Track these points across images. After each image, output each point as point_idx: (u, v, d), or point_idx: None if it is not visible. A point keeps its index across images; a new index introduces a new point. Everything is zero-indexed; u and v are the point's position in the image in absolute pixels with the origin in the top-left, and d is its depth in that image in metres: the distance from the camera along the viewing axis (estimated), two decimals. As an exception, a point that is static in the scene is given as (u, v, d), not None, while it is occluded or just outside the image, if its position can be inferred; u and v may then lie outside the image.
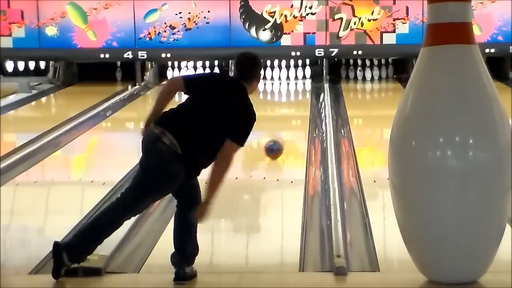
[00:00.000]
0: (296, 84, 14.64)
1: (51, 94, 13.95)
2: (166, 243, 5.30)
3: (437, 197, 4.59)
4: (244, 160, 9.15)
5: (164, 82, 5.07)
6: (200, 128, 4.78)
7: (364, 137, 10.16)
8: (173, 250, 4.94)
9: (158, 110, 4.90)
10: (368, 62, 14.87)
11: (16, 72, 14.88)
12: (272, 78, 14.82)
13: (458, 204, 4.57)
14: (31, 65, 14.99)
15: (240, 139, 4.81)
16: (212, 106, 4.82)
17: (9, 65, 14.97)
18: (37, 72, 14.89)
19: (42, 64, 14.94)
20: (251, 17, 14.29)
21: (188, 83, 4.93)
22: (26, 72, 14.90)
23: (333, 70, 14.73)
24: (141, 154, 4.86)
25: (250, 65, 5.01)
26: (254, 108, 4.88)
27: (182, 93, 4.98)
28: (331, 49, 14.26)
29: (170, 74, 14.59)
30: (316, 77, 14.64)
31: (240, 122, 4.82)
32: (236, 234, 6.38)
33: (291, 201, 7.22)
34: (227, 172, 4.79)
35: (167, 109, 4.93)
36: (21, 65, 14.96)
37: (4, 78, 14.69)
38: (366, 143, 9.84)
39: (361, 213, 6.57)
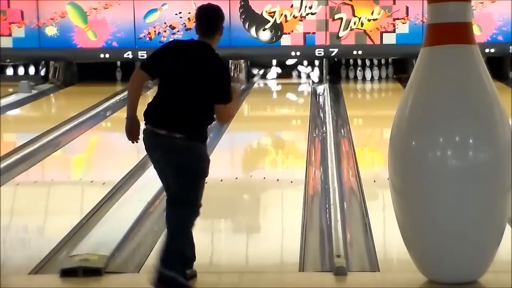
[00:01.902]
0: (296, 84, 14.66)
1: (51, 94, 13.94)
2: (166, 243, 5.30)
3: (437, 197, 4.58)
4: (244, 160, 9.15)
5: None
6: (186, 105, 4.67)
7: (364, 137, 10.15)
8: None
9: (134, 106, 4.74)
10: (368, 62, 14.88)
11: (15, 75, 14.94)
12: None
13: (458, 204, 4.57)
14: (31, 69, 15.03)
15: (226, 98, 4.73)
16: (185, 81, 4.69)
17: (9, 70, 15.02)
18: (36, 73, 14.91)
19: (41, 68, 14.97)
20: (251, 17, 14.29)
21: (151, 70, 4.75)
22: (26, 75, 14.91)
23: (333, 70, 14.73)
24: (141, 154, 4.84)
25: (213, 18, 4.82)
26: (224, 62, 4.79)
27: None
28: (331, 49, 14.26)
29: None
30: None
31: (219, 83, 4.72)
32: (236, 234, 6.37)
33: (291, 201, 7.22)
34: (231, 117, 4.99)
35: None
36: (21, 71, 14.99)
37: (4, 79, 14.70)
38: (366, 143, 9.84)
39: (361, 213, 6.56)
